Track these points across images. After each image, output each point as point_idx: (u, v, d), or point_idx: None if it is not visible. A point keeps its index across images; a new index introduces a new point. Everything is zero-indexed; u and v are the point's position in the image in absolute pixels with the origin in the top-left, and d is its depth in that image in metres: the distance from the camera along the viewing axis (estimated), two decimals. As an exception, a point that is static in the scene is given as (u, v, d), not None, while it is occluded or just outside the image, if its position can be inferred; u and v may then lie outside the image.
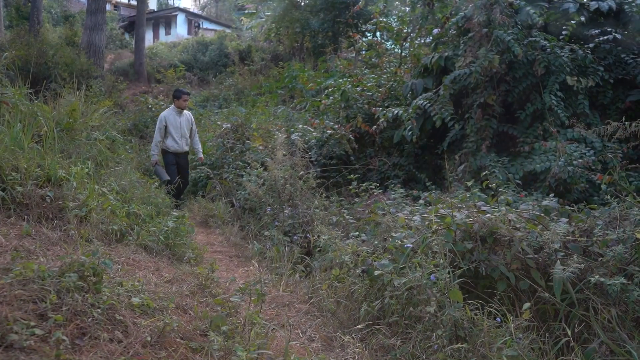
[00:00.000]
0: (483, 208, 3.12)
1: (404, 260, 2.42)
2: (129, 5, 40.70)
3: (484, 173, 5.75)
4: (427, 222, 2.72)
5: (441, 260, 2.31)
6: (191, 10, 42.18)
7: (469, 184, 4.49)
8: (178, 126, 7.00)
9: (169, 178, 6.58)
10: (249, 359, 1.83)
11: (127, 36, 32.78)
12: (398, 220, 2.94)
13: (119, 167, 4.60)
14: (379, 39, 14.57)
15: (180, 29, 34.07)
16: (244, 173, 6.09)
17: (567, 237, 2.58)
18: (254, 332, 2.12)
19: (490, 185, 4.83)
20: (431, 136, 7.78)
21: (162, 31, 36.13)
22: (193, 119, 7.42)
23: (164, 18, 35.83)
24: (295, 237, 4.50)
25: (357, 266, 2.75)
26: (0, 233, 2.43)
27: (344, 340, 2.33)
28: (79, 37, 22.30)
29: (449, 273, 2.30)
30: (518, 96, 6.77)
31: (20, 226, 2.72)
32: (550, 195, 5.58)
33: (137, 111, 12.06)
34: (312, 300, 2.92)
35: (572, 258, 2.40)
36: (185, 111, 7.18)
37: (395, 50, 11.74)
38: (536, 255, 2.53)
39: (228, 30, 31.30)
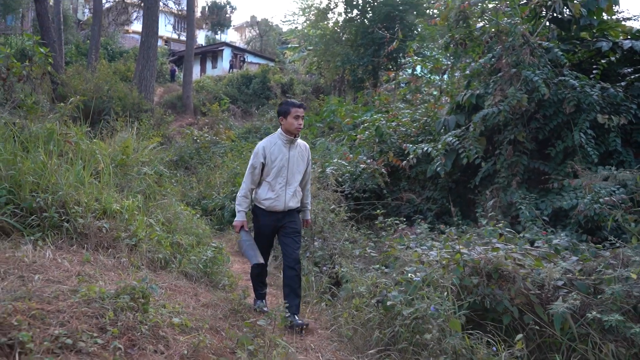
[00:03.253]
0: (497, 245, 3.34)
1: (412, 292, 2.67)
2: (178, 41, 42.87)
3: (515, 209, 5.88)
4: (439, 258, 2.97)
5: (445, 293, 2.55)
6: (237, 44, 44.01)
7: (488, 224, 4.66)
8: (285, 165, 4.09)
9: (262, 261, 3.91)
10: (269, 373, 2.14)
11: (175, 70, 34.31)
12: (412, 255, 3.21)
13: (165, 200, 5.04)
14: (419, 72, 14.94)
15: (227, 63, 35.49)
16: (280, 205, 6.44)
17: (568, 275, 2.76)
18: (276, 352, 2.42)
19: (518, 221, 4.99)
20: (465, 170, 7.93)
21: (209, 65, 37.78)
22: (310, 155, 4.41)
23: (211, 52, 37.47)
24: (324, 267, 4.78)
25: (375, 296, 3.01)
26: (65, 259, 2.86)
27: (357, 363, 2.60)
28: (131, 72, 23.80)
29: (453, 305, 2.55)
30: (549, 133, 6.88)
31: (81, 253, 3.15)
32: (579, 232, 5.70)
33: (182, 145, 12.77)
34: (333, 327, 3.19)
35: (572, 295, 2.59)
36: (299, 140, 4.27)
37: (436, 81, 11.97)
38: (539, 292, 2.73)
39: (271, 64, 32.47)
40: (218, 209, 7.63)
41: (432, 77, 11.95)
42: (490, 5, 7.45)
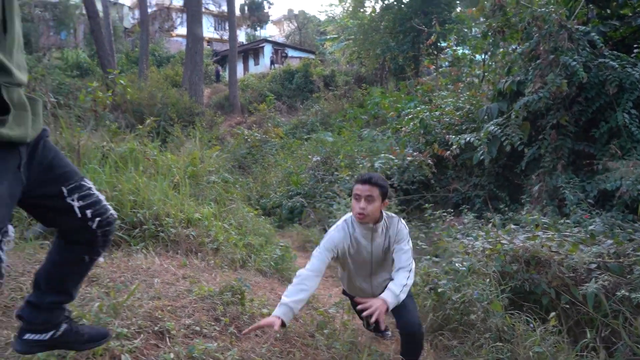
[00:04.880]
0: (536, 234, 3.72)
1: (459, 280, 3.11)
2: (220, 40, 43.94)
3: (561, 193, 6.10)
4: (482, 248, 3.39)
5: (487, 280, 2.98)
6: (276, 39, 44.71)
7: (535, 211, 4.97)
8: (368, 260, 3.00)
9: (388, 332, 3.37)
10: (344, 349, 2.65)
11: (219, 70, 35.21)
12: (458, 246, 3.65)
13: (233, 205, 5.65)
14: (460, 53, 14.97)
15: (268, 59, 36.09)
16: (334, 202, 6.96)
17: (599, 259, 3.11)
18: (347, 334, 2.92)
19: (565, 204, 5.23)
20: (511, 155, 8.10)
21: (251, 62, 38.59)
22: (400, 231, 2.96)
23: (253, 50, 38.24)
24: (380, 258, 5.24)
25: (428, 284, 3.46)
26: (170, 265, 3.48)
27: (416, 342, 3.07)
28: (180, 76, 24.87)
29: (496, 289, 2.97)
30: (592, 115, 7.00)
31: (177, 258, 3.78)
32: (625, 212, 5.88)
33: (235, 146, 13.47)
34: (392, 312, 3.66)
35: (602, 276, 2.94)
36: (384, 223, 2.94)
37: (479, 61, 11.94)
38: (572, 274, 3.10)
39: (312, 57, 32.88)
40: (276, 207, 8.24)
41: (473, 60, 12.03)
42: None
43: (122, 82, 5.95)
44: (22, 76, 1.62)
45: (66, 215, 1.77)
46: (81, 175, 1.83)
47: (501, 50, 9.28)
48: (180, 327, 2.44)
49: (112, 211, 1.90)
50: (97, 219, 1.81)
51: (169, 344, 2.29)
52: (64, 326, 1.93)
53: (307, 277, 2.70)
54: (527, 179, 7.69)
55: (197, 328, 2.51)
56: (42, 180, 1.72)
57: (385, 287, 2.81)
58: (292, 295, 2.61)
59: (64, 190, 1.75)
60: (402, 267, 2.84)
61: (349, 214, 2.99)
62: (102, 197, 1.90)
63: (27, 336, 1.90)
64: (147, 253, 3.60)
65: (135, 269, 3.16)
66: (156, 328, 2.36)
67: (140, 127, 6.03)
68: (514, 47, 8.90)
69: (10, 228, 1.57)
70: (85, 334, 1.98)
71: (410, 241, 2.95)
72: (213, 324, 2.61)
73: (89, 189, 1.85)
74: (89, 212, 1.79)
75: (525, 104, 7.12)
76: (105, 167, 4.24)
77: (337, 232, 2.92)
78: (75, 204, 1.77)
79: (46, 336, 1.88)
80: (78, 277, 1.94)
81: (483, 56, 11.17)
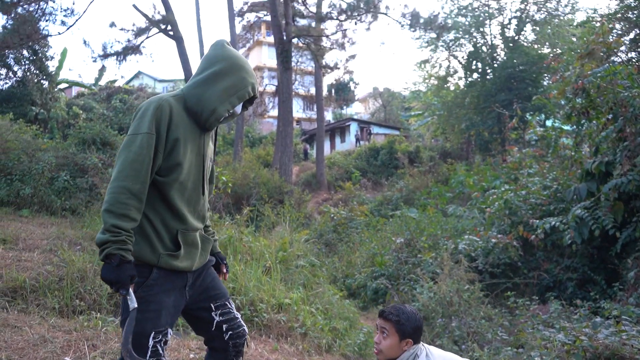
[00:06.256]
0: (624, 327, 3.69)
1: (536, 375, 3.18)
2: (308, 119, 46.34)
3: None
4: (561, 343, 3.42)
5: (564, 376, 3.03)
6: (362, 116, 46.35)
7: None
8: None
9: None
10: None
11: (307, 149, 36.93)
12: (537, 340, 3.70)
13: (320, 289, 6.00)
14: (550, 125, 14.75)
15: (354, 137, 37.29)
16: (417, 286, 7.07)
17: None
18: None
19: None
20: (606, 236, 7.74)
21: (337, 140, 40.12)
22: None
23: (339, 128, 39.84)
24: (463, 346, 5.27)
25: (508, 376, 3.54)
26: (264, 350, 3.86)
27: None
28: (270, 156, 26.46)
29: (573, 386, 3.02)
30: (695, 193, 6.70)
31: (268, 342, 4.16)
32: None
33: (321, 223, 13.98)
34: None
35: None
36: None
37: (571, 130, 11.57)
38: (658, 375, 3.04)
39: (396, 133, 33.66)
40: (361, 287, 8.44)
41: (558, 141, 11.80)
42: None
43: (224, 178, 6.74)
44: (199, 224, 2.28)
45: (208, 325, 2.34)
46: (227, 296, 2.46)
47: (586, 130, 9.18)
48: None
49: (244, 327, 2.48)
50: (230, 332, 2.38)
51: None
52: None
53: None
54: (623, 262, 7.36)
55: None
56: (200, 298, 2.33)
57: None
58: None
59: (212, 306, 2.36)
60: None
61: None
62: (238, 315, 2.47)
63: None
64: (243, 337, 4.01)
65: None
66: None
67: (238, 217, 6.70)
68: (599, 123, 8.74)
69: (170, 331, 2.10)
70: None
71: None
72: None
73: (230, 308, 2.43)
74: (224, 326, 2.37)
75: (614, 186, 6.98)
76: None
77: None
78: (217, 318, 2.35)
79: None
80: None
81: (573, 127, 10.90)
